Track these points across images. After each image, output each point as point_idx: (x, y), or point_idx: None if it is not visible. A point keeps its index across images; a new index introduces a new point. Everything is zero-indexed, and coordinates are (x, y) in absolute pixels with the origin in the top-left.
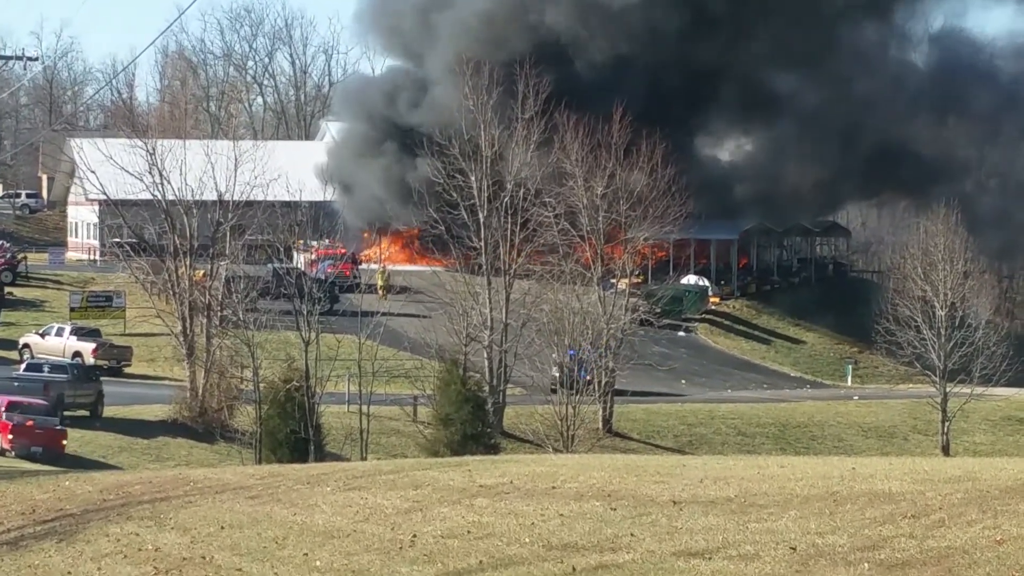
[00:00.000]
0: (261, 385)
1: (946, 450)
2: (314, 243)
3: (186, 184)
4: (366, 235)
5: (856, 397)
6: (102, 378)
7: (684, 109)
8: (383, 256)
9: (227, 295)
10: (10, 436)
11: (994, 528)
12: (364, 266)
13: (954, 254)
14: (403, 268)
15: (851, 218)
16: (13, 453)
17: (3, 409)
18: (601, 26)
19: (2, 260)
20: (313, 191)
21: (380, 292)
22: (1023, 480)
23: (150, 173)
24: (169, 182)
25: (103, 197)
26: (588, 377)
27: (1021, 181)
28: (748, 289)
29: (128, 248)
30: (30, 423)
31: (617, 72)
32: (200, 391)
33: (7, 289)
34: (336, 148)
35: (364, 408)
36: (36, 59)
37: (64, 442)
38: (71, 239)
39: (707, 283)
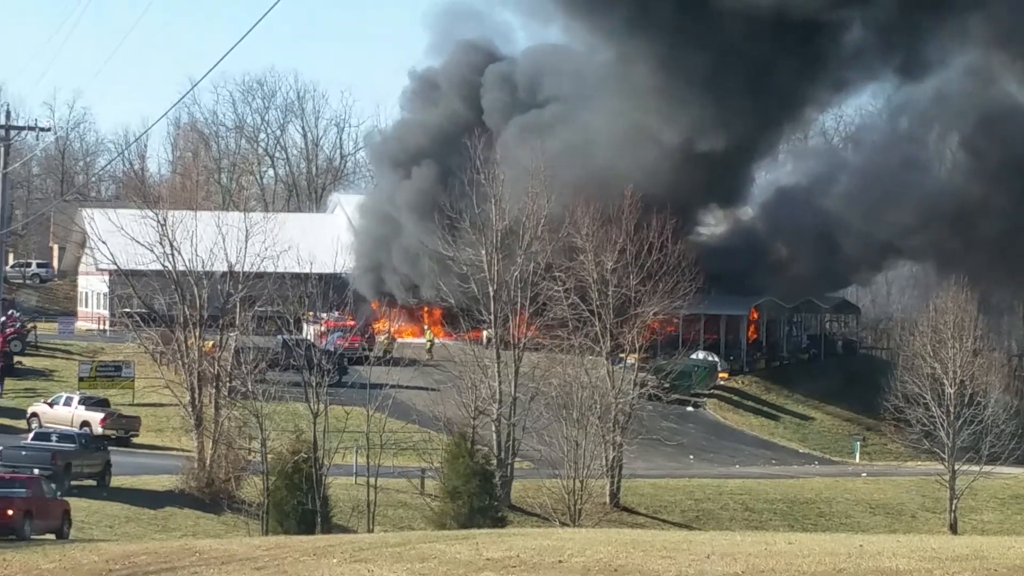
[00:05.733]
0: (269, 456)
1: (954, 528)
2: (324, 315)
3: (196, 255)
4: (375, 306)
5: (864, 474)
6: (110, 448)
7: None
8: (391, 328)
9: (236, 366)
10: None
11: None
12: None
13: (963, 331)
14: (412, 341)
15: (860, 295)
16: None
17: None
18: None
19: (12, 329)
20: (323, 263)
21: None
22: None
23: (160, 244)
24: (180, 253)
25: (113, 267)
26: None
27: None
28: (757, 365)
29: (138, 318)
30: None
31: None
32: (208, 461)
33: (16, 358)
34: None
35: (372, 480)
36: (48, 129)
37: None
38: (81, 309)
39: (716, 358)
